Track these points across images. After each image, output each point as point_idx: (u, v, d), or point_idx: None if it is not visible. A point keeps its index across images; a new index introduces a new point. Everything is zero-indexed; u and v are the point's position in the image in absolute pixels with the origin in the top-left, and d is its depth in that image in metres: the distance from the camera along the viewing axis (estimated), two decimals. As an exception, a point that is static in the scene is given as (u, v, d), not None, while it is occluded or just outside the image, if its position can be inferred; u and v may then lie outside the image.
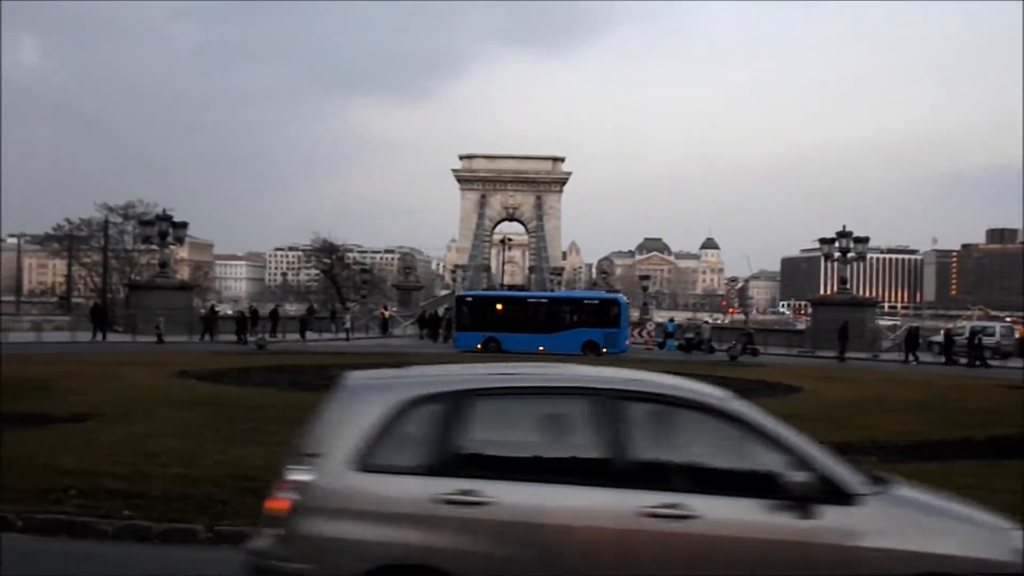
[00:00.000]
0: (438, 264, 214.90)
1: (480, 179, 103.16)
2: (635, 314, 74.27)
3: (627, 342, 48.51)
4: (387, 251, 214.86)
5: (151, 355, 35.29)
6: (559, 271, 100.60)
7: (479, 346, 45.60)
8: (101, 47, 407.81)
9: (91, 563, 8.72)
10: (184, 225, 57.74)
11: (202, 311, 61.64)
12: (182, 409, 17.23)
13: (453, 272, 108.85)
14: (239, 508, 9.61)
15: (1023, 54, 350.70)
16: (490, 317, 48.07)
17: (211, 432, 14.40)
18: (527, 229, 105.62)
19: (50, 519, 9.44)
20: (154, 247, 63.85)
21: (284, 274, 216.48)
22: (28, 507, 9.69)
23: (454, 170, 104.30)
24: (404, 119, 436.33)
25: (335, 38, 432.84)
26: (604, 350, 45.45)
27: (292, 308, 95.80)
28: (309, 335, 56.68)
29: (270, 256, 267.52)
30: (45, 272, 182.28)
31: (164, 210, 57.78)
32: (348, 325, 60.01)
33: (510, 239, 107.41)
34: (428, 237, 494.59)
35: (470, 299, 52.31)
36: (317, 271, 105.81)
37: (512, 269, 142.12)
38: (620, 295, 55.29)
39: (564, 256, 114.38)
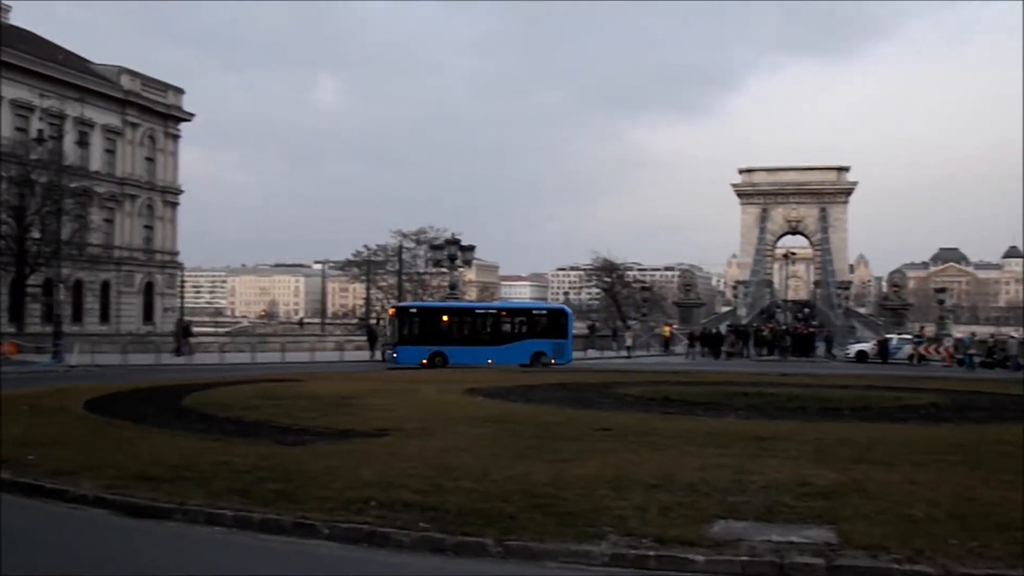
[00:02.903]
0: (718, 280, 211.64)
1: (761, 192, 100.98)
2: (931, 329, 70.32)
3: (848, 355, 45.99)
4: (667, 268, 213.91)
5: (441, 373, 36.85)
6: (846, 285, 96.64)
7: (424, 361, 42.33)
8: (391, 83, 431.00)
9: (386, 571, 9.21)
10: (472, 248, 59.84)
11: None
12: (473, 425, 17.79)
13: (734, 288, 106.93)
14: (526, 524, 9.83)
15: None
16: (435, 330, 45.11)
17: (500, 448, 14.79)
18: (811, 242, 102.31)
19: (353, 528, 9.95)
20: (444, 270, 66.66)
21: (566, 293, 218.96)
22: (333, 516, 10.27)
23: (733, 184, 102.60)
24: (681, 135, 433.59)
25: (610, 59, 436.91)
26: (552, 361, 44.09)
27: (574, 326, 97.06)
28: (591, 353, 57.35)
29: (552, 276, 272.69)
30: (346, 295, 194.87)
31: (453, 234, 60.28)
32: (629, 343, 60.30)
33: (793, 253, 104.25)
34: (708, 253, 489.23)
35: (414, 310, 48.59)
36: (598, 290, 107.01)
37: (796, 284, 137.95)
38: (565, 306, 53.11)
39: (851, 270, 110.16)
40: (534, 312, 49.80)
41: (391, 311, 45.98)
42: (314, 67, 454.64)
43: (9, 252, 54.16)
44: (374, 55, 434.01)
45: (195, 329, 66.58)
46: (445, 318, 46.65)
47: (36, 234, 54.17)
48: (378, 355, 49.45)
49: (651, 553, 8.99)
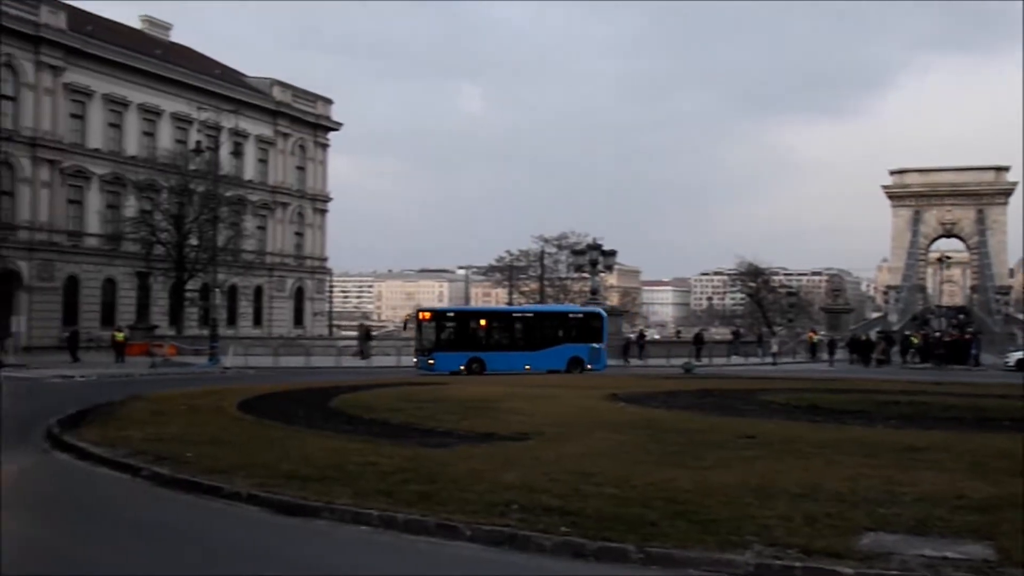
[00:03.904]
0: (868, 285, 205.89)
1: (913, 194, 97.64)
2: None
3: None
4: (814, 273, 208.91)
5: (582, 378, 36.87)
6: (1006, 290, 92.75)
7: (462, 368, 40.64)
8: (534, 88, 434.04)
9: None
10: (613, 253, 59.83)
11: (631, 336, 63.43)
12: (614, 431, 17.70)
13: (885, 293, 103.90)
14: (669, 530, 9.73)
15: None
16: (472, 335, 43.11)
17: (641, 454, 14.69)
18: (967, 246, 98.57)
19: (495, 531, 10.04)
20: (586, 275, 66.80)
21: (709, 298, 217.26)
22: (475, 518, 10.38)
23: (884, 186, 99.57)
24: (828, 137, 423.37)
25: (756, 61, 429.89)
26: (589, 367, 42.29)
27: (717, 332, 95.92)
28: (735, 359, 56.49)
29: (695, 281, 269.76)
30: (489, 300, 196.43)
31: (594, 239, 60.24)
32: (775, 349, 59.15)
33: (948, 257, 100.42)
34: (857, 258, 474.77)
35: (451, 315, 46.73)
36: (742, 295, 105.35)
37: (951, 289, 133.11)
38: (600, 308, 49.73)
39: (1011, 274, 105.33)
40: (570, 315, 47.63)
41: (424, 315, 43.64)
42: (457, 74, 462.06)
43: (169, 258, 56.60)
44: (517, 61, 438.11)
45: (373, 333, 68.37)
46: (482, 323, 45.02)
47: (194, 241, 56.47)
48: None
49: (797, 564, 8.77)
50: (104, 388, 29.26)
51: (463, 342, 42.05)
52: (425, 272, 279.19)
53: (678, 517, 10.22)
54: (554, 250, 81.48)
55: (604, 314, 47.00)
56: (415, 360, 42.67)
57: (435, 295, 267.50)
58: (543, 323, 45.34)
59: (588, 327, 44.64)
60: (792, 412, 22.54)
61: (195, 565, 9.27)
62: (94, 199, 59.04)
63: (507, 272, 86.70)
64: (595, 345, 43.85)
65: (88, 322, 56.48)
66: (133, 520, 11.37)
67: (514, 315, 48.30)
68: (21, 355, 43.53)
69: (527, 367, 40.68)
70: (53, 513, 11.68)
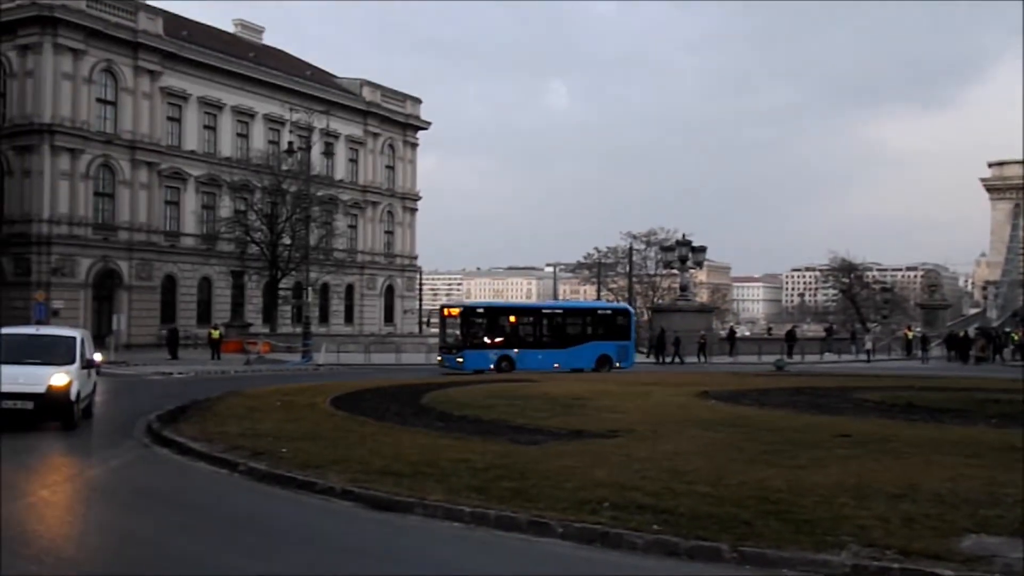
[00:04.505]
0: (966, 281, 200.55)
1: (1013, 187, 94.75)
2: None
3: None
4: (909, 268, 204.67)
5: (673, 375, 36.63)
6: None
7: (491, 366, 38.83)
8: (620, 85, 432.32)
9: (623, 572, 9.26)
10: (703, 249, 59.31)
11: (722, 332, 62.85)
12: (706, 429, 17.56)
13: (984, 289, 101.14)
14: (762, 530, 9.62)
15: None
16: (501, 333, 41.00)
17: (734, 453, 14.55)
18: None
19: (586, 528, 10.01)
20: (675, 271, 66.37)
21: (801, 295, 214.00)
22: (567, 515, 10.36)
23: (982, 179, 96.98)
24: (923, 128, 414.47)
25: (846, 52, 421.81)
26: (618, 365, 41.00)
27: (809, 329, 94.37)
28: (828, 356, 55.60)
29: (786, 277, 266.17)
30: (577, 297, 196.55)
31: (683, 235, 59.92)
32: (869, 346, 58.09)
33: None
34: (954, 252, 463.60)
35: (480, 311, 43.57)
36: (835, 291, 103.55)
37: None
38: (627, 304, 47.48)
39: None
40: (599, 312, 46.14)
41: (451, 311, 41.94)
42: (545, 72, 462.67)
43: (263, 257, 57.73)
44: (603, 58, 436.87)
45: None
46: (512, 319, 43.03)
47: (287, 240, 57.53)
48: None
49: (895, 566, 8.58)
50: (201, 384, 30.04)
51: (493, 339, 40.39)
52: (513, 269, 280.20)
53: (772, 516, 10.09)
54: (642, 246, 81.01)
55: (632, 310, 46.38)
56: (439, 358, 41.36)
57: (523, 292, 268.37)
58: (572, 320, 43.99)
59: (616, 324, 43.45)
60: (888, 410, 22.09)
61: (298, 560, 9.45)
62: (190, 200, 60.51)
63: (595, 269, 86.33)
64: (624, 343, 42.81)
65: (185, 320, 57.93)
66: (233, 514, 11.62)
67: (544, 311, 46.08)
68: (121, 352, 44.75)
69: (556, 365, 39.31)
70: (155, 507, 11.99)
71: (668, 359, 51.00)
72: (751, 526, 9.78)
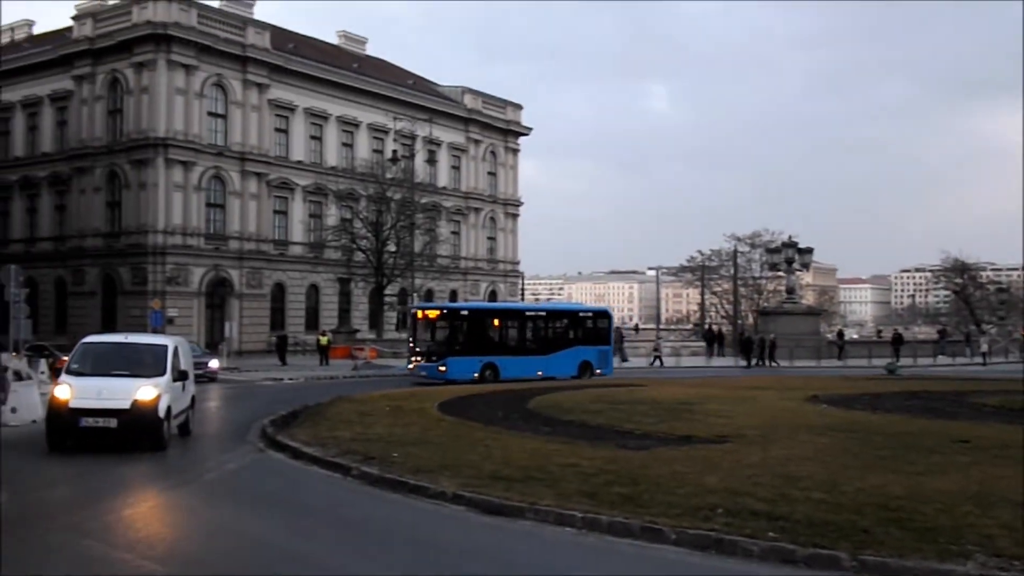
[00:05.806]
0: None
1: None
2: None
3: None
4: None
5: (780, 379, 36.07)
6: None
7: (475, 376, 35.15)
8: (722, 85, 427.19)
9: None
10: (809, 251, 58.33)
11: (829, 336, 61.66)
12: (818, 434, 17.29)
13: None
14: (883, 538, 9.42)
15: None
16: (485, 338, 37.56)
17: (849, 458, 14.29)
18: None
19: (700, 535, 9.95)
20: (780, 274, 65.34)
21: (911, 296, 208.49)
22: (680, 522, 10.31)
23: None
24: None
25: (961, 44, 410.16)
26: (599, 372, 38.80)
27: (920, 331, 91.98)
28: (941, 359, 54.12)
29: (895, 278, 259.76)
30: (680, 301, 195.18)
31: (789, 237, 58.90)
32: (985, 349, 56.31)
33: None
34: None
35: (464, 313, 39.80)
36: (947, 292, 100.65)
37: None
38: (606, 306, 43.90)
39: None
40: (580, 315, 42.35)
41: (428, 313, 38.57)
42: (644, 75, 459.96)
43: (368, 265, 58.53)
44: (703, 58, 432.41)
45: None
46: (496, 323, 39.43)
47: (392, 247, 58.20)
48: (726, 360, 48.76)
49: (1024, 576, 8.35)
50: (311, 390, 30.59)
51: (476, 345, 36.80)
52: (615, 274, 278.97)
53: (892, 524, 9.89)
54: (747, 249, 79.88)
55: (611, 312, 44.44)
56: (411, 367, 37.21)
57: (624, 296, 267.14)
58: (555, 323, 40.73)
59: (596, 328, 40.68)
60: (1007, 415, 21.44)
61: (413, 563, 9.57)
62: (298, 209, 61.70)
63: (698, 272, 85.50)
64: (604, 347, 40.31)
65: (294, 327, 59.09)
66: (347, 517, 11.82)
67: (527, 314, 42.35)
68: (233, 359, 45.84)
69: (539, 373, 36.40)
70: (274, 510, 12.26)
71: (757, 362, 50.27)
72: (870, 534, 9.59)
